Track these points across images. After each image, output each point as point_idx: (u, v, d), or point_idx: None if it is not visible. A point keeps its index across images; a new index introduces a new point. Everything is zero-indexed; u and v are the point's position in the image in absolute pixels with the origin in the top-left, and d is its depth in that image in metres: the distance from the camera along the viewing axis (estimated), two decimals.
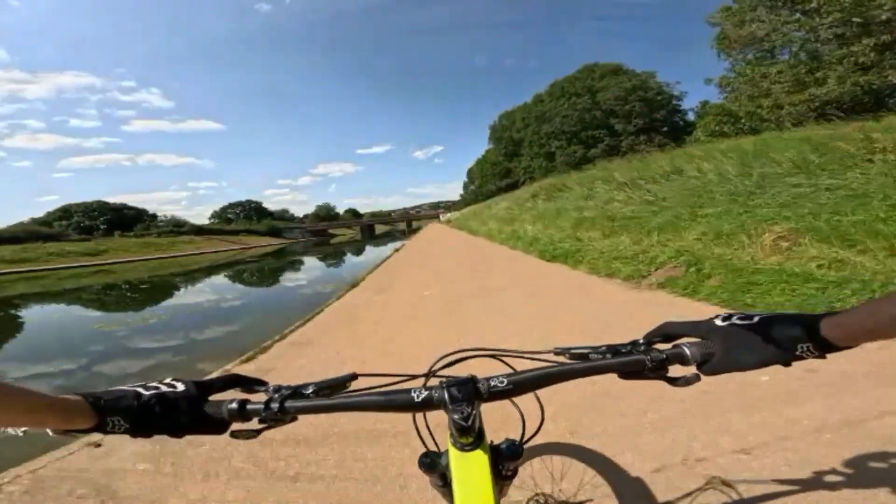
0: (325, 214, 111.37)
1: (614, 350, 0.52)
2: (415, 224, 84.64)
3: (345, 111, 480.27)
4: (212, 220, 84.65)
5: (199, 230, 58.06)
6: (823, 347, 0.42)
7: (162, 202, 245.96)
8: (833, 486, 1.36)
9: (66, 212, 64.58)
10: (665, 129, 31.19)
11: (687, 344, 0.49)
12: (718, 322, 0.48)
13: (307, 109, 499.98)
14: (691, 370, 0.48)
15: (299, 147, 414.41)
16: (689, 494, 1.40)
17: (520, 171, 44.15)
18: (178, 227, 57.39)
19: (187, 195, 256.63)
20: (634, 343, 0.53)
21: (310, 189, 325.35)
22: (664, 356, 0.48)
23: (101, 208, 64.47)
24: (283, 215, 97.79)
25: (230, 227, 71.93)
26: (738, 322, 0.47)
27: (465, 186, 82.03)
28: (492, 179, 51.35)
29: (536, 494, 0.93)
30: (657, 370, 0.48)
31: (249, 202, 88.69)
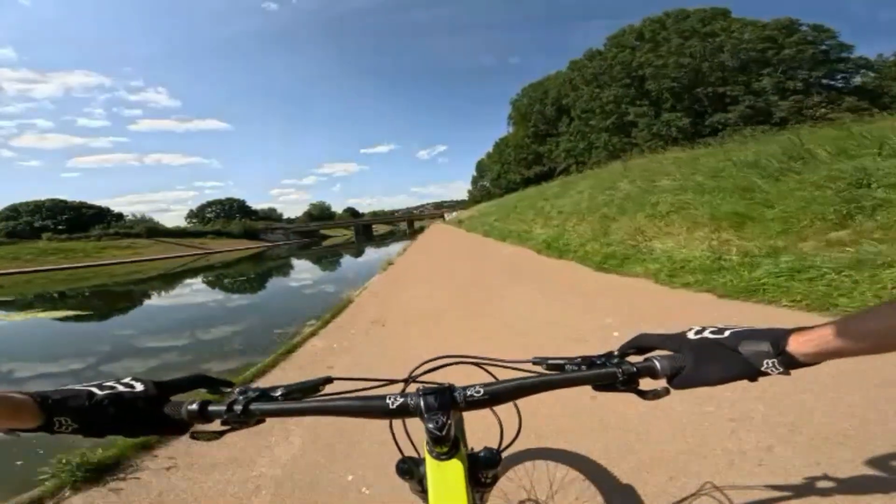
0: (319, 214, 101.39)
1: (589, 362, 0.52)
2: (417, 224, 74.31)
3: (349, 110, 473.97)
4: (189, 221, 75.26)
5: (154, 232, 48.20)
6: (788, 363, 0.41)
7: (170, 202, 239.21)
8: (825, 493, 1.31)
9: (14, 211, 57.15)
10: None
11: (658, 357, 0.48)
12: (691, 335, 0.48)
13: (312, 109, 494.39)
14: (662, 383, 0.48)
15: (304, 146, 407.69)
16: (681, 501, 1.36)
17: (559, 154, 33.49)
18: (127, 229, 47.65)
19: (194, 195, 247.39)
20: (609, 355, 0.52)
21: (314, 189, 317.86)
22: (635, 369, 0.48)
23: (55, 207, 57.84)
24: (271, 215, 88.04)
25: (194, 227, 62.53)
26: (710, 336, 0.47)
27: (474, 182, 71.42)
28: (515, 168, 40.74)
29: (523, 500, 0.91)
30: (628, 383, 0.48)
31: (231, 200, 78.88)
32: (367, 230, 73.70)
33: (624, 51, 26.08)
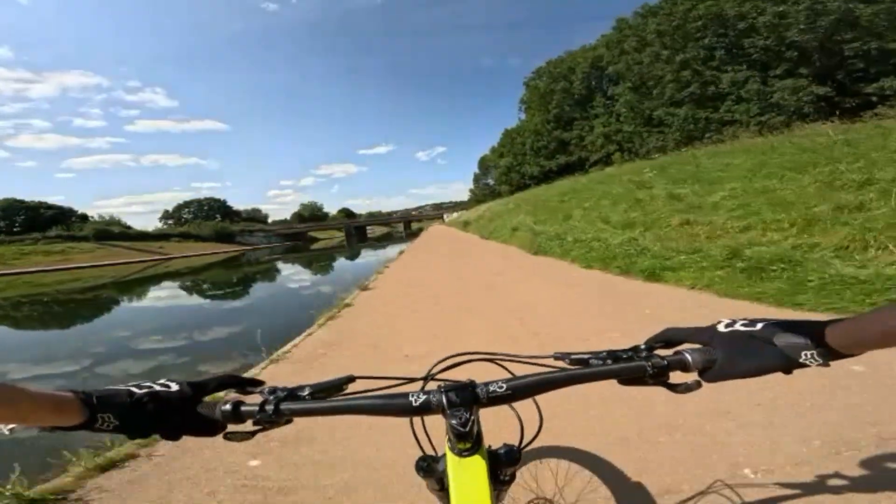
0: (310, 215, 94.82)
1: (615, 356, 0.50)
2: (415, 226, 67.94)
3: (348, 111, 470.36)
4: (164, 222, 68.81)
5: (105, 235, 41.61)
6: (828, 355, 0.40)
7: (167, 202, 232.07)
8: (836, 490, 1.31)
9: None
10: None
11: (689, 350, 0.47)
12: (721, 328, 0.47)
13: (311, 109, 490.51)
14: (692, 376, 0.47)
15: (303, 147, 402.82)
16: (690, 498, 1.36)
17: (593, 140, 27.24)
18: (74, 231, 41.11)
19: (191, 195, 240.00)
20: (635, 349, 0.51)
21: (312, 190, 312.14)
22: (665, 362, 0.47)
23: (10, 207, 50.97)
24: (255, 216, 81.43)
25: (169, 229, 56.37)
26: (742, 328, 0.46)
27: (476, 179, 64.91)
28: (532, 159, 34.41)
29: (535, 498, 0.90)
30: (658, 377, 0.47)
31: (211, 200, 72.37)
32: (359, 232, 67.27)
33: (706, 0, 19.29)
